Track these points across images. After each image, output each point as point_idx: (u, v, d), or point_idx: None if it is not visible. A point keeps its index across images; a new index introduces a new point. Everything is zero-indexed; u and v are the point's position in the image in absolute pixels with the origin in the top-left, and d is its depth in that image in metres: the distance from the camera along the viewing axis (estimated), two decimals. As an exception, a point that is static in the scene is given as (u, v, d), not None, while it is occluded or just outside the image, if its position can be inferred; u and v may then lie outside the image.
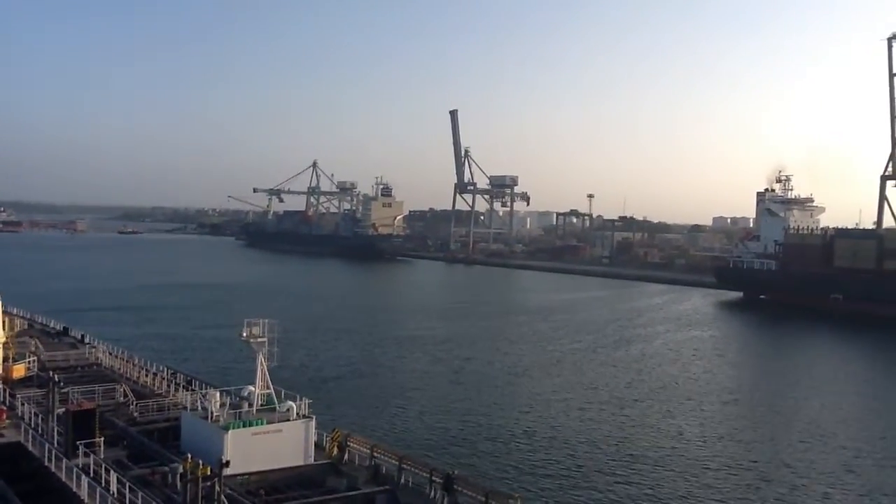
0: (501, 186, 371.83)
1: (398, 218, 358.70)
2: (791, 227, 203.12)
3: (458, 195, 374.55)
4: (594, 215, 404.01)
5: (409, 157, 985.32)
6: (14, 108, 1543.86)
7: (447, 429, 72.28)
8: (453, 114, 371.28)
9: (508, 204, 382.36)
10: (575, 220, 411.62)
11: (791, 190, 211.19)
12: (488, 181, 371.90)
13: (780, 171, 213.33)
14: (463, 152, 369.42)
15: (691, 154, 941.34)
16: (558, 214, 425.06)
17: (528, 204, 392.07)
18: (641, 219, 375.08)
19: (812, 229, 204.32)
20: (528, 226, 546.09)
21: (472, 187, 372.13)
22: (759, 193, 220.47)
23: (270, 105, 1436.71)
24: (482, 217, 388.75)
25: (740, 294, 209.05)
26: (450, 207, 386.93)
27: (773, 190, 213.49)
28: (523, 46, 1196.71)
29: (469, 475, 44.42)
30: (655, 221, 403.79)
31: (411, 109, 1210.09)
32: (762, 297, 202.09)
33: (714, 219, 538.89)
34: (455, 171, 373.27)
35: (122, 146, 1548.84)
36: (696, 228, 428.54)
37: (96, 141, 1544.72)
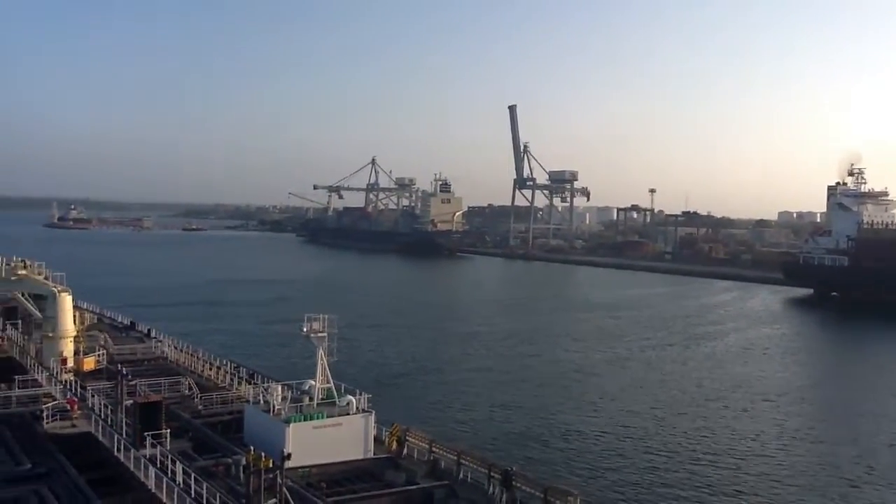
0: (561, 181, 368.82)
1: (457, 214, 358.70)
2: (864, 221, 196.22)
3: (517, 191, 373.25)
4: (655, 210, 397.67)
5: (467, 153, 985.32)
6: (83, 110, 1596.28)
7: (508, 425, 71.93)
8: (512, 109, 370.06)
9: (568, 199, 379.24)
10: (636, 215, 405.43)
11: (864, 183, 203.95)
12: (547, 176, 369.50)
13: (852, 164, 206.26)
14: (522, 147, 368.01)
15: (755, 148, 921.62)
16: (619, 210, 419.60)
17: (587, 199, 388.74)
18: (705, 214, 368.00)
19: (887, 224, 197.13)
20: (588, 221, 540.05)
21: (531, 183, 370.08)
22: (829, 187, 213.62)
23: (330, 102, 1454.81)
24: (540, 213, 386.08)
25: (810, 291, 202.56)
26: (508, 203, 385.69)
27: (844, 183, 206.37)
28: (584, 40, 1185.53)
29: (528, 471, 44.02)
30: (719, 216, 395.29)
31: (470, 105, 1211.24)
32: (833, 294, 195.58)
33: (779, 213, 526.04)
34: (514, 167, 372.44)
35: (186, 144, 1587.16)
36: (761, 224, 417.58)
37: (161, 140, 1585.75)
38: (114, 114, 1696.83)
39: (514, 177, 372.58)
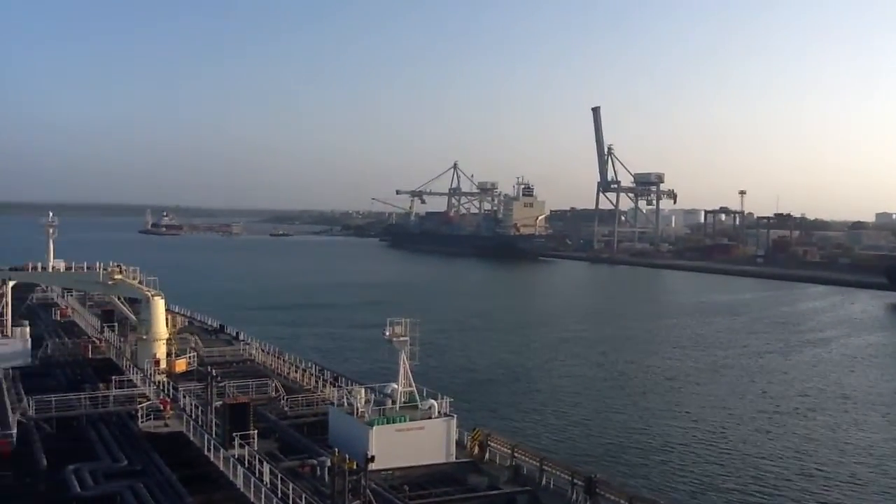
0: (646, 184, 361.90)
1: (540, 218, 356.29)
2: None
3: (601, 193, 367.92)
4: (745, 212, 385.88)
5: (548, 156, 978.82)
6: (174, 120, 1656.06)
7: (595, 433, 70.76)
8: (595, 111, 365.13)
9: (654, 202, 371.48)
10: (724, 217, 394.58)
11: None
12: (633, 179, 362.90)
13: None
14: (606, 150, 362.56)
15: (850, 148, 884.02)
16: (706, 212, 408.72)
17: (674, 202, 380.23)
18: (798, 216, 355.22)
19: None
20: (674, 224, 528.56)
21: (615, 185, 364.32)
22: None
23: (412, 108, 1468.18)
24: (624, 216, 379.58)
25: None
26: (591, 206, 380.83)
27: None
28: (668, 42, 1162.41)
29: (613, 479, 43.21)
30: (812, 218, 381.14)
31: (551, 108, 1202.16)
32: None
33: (877, 215, 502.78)
34: (598, 169, 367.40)
35: (273, 151, 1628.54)
36: (858, 225, 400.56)
37: (249, 147, 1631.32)
38: (199, 122, 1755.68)
39: (598, 179, 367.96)
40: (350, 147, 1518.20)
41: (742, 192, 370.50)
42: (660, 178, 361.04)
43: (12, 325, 67.86)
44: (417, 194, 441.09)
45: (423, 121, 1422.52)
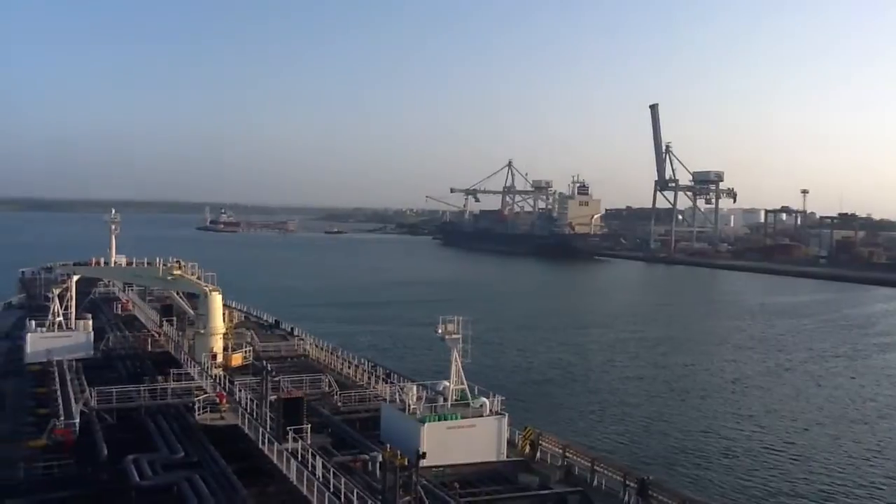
0: (705, 182, 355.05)
1: (595, 216, 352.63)
2: None
3: (658, 192, 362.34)
4: (807, 212, 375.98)
5: (603, 154, 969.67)
6: (234, 121, 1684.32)
7: (651, 435, 69.78)
8: (653, 108, 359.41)
9: (713, 201, 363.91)
10: (785, 217, 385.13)
11: None
12: (691, 177, 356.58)
13: None
14: (664, 147, 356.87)
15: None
16: (766, 211, 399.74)
17: (734, 201, 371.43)
18: (863, 216, 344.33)
19: None
20: (732, 224, 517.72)
21: (673, 184, 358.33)
22: None
23: (466, 106, 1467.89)
24: (681, 215, 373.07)
25: None
26: (647, 205, 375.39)
27: None
28: (727, 41, 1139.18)
29: (665, 481, 42.49)
30: (878, 219, 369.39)
31: (607, 105, 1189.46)
32: None
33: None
34: (655, 168, 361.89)
35: (328, 150, 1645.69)
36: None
37: (304, 146, 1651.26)
38: (262, 124, 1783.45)
39: (655, 178, 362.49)
40: (404, 145, 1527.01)
41: (804, 192, 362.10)
42: (719, 177, 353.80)
43: (76, 318, 69.87)
44: (472, 192, 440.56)
45: (477, 119, 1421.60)
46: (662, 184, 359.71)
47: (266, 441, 41.28)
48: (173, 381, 54.25)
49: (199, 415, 47.34)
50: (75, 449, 42.45)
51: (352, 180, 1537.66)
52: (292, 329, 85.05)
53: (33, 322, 68.13)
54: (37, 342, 65.36)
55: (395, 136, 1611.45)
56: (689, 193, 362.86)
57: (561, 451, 43.63)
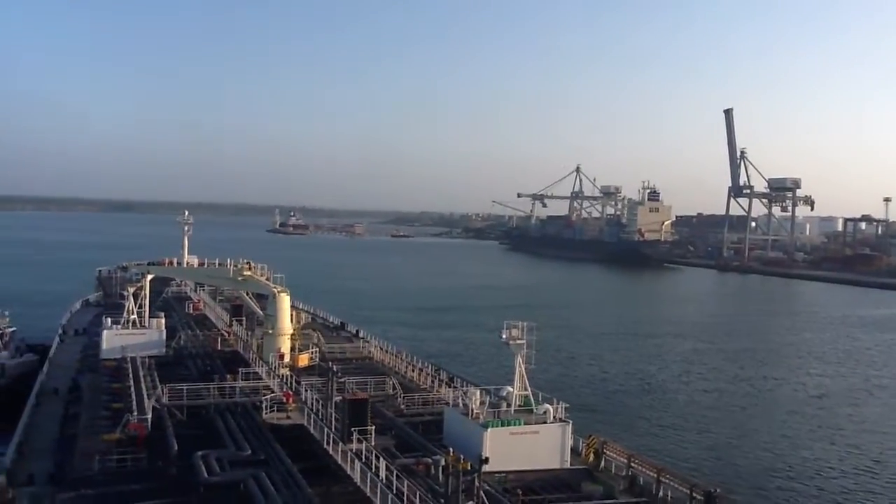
0: (781, 189, 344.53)
1: (666, 223, 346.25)
2: None
3: (731, 199, 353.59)
4: (889, 220, 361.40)
5: (673, 160, 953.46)
6: (304, 124, 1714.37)
7: (727, 450, 67.92)
8: (727, 113, 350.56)
9: (788, 208, 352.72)
10: (864, 226, 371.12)
11: None
12: (766, 184, 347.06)
13: None
14: (738, 153, 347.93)
15: None
16: (846, 220, 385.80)
17: (811, 209, 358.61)
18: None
19: None
20: (808, 232, 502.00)
21: (747, 191, 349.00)
22: None
23: (535, 110, 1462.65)
24: (754, 222, 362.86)
25: None
26: (719, 212, 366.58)
27: None
28: (802, 45, 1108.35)
29: (734, 496, 41.33)
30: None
31: (678, 110, 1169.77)
32: None
33: None
34: (729, 174, 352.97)
35: (394, 154, 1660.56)
36: None
37: (371, 150, 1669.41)
38: (333, 126, 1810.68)
39: (729, 184, 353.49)
40: (471, 150, 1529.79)
41: (887, 200, 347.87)
42: (796, 184, 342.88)
43: (149, 317, 71.93)
44: (539, 198, 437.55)
45: (545, 124, 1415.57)
46: (736, 190, 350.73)
47: (331, 441, 41.76)
48: (242, 379, 55.41)
49: (266, 413, 48.21)
50: (147, 443, 43.65)
51: (418, 184, 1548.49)
52: (357, 331, 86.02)
53: (109, 319, 70.50)
54: (112, 339, 67.59)
55: (461, 140, 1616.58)
56: (764, 200, 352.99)
57: (626, 460, 42.86)
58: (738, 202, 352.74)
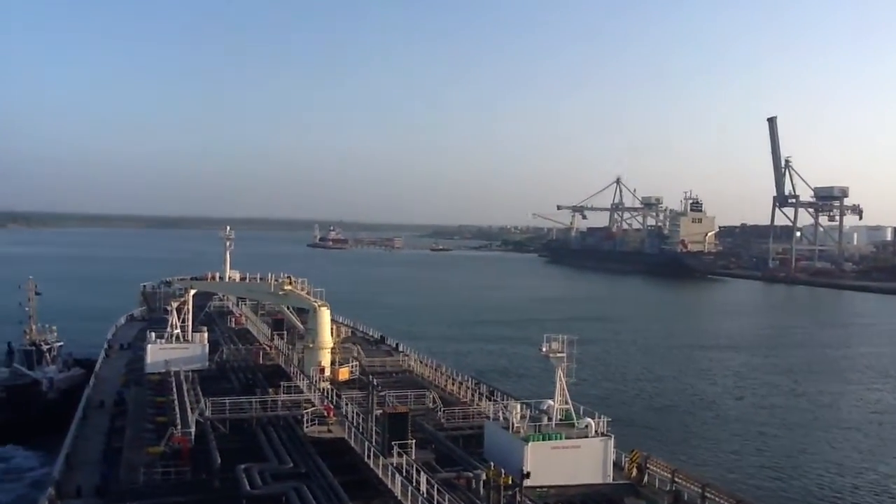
0: (828, 198, 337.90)
1: (709, 234, 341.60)
2: None
3: (776, 209, 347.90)
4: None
5: (716, 170, 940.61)
6: (342, 142, 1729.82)
7: (774, 466, 66.24)
8: (771, 121, 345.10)
9: (836, 217, 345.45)
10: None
11: None
12: (812, 193, 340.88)
13: None
14: (783, 162, 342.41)
15: None
16: (895, 228, 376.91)
17: (860, 217, 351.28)
18: None
19: None
20: (856, 241, 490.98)
21: (793, 200, 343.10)
22: None
23: (573, 122, 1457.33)
24: (799, 232, 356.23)
25: None
26: (762, 222, 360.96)
27: None
28: (852, 49, 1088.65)
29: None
30: None
31: (720, 120, 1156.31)
32: None
33: None
34: (774, 183, 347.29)
35: (432, 167, 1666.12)
36: None
37: (409, 164, 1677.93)
38: (359, 141, 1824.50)
39: (774, 193, 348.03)
40: (508, 162, 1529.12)
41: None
42: (843, 192, 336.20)
43: (192, 331, 72.85)
44: (579, 209, 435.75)
45: (584, 136, 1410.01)
46: (781, 200, 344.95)
47: (371, 455, 41.71)
48: (283, 393, 55.72)
49: (307, 427, 48.41)
50: (191, 456, 44.10)
51: (457, 198, 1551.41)
52: (397, 345, 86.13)
53: (153, 334, 71.50)
54: (156, 353, 68.52)
55: (498, 152, 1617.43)
56: (810, 210, 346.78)
57: (670, 475, 42.19)
58: (783, 212, 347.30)
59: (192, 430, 46.84)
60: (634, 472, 43.61)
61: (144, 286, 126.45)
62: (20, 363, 78.50)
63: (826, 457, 70.26)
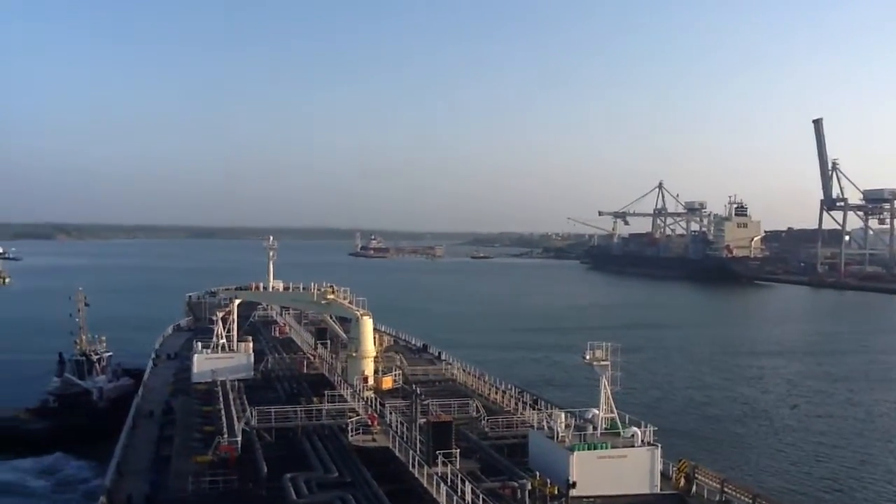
0: (878, 201, 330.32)
1: (755, 239, 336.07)
2: None
3: (824, 212, 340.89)
4: None
5: (760, 173, 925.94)
6: (383, 150, 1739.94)
7: (831, 478, 64.53)
8: (817, 123, 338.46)
9: (886, 221, 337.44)
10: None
11: None
12: (861, 196, 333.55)
13: None
14: (830, 165, 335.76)
15: None
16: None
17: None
18: None
19: None
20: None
21: (841, 203, 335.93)
22: None
23: (614, 127, 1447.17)
24: (847, 236, 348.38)
25: None
26: (810, 226, 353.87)
27: None
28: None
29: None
30: None
31: (764, 122, 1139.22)
32: None
33: None
34: (821, 186, 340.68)
35: (471, 174, 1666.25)
36: None
37: (450, 171, 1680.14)
38: (411, 149, 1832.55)
39: (821, 197, 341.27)
40: (549, 169, 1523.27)
41: None
42: (894, 195, 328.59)
43: (238, 341, 73.70)
44: (620, 215, 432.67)
45: (625, 141, 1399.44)
46: (829, 203, 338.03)
47: (416, 464, 41.68)
48: (327, 402, 56.02)
49: (352, 436, 48.57)
50: (238, 465, 44.53)
51: (497, 205, 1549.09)
52: (440, 353, 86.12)
53: (199, 343, 72.50)
54: (203, 363, 69.47)
55: (537, 160, 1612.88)
56: (859, 213, 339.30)
57: (719, 485, 41.45)
58: (831, 215, 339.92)
59: (239, 438, 47.31)
60: (682, 482, 42.88)
61: (190, 296, 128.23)
62: (71, 373, 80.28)
63: (890, 468, 68.22)
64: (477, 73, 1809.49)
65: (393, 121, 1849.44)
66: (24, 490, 60.02)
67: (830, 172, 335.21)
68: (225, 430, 48.68)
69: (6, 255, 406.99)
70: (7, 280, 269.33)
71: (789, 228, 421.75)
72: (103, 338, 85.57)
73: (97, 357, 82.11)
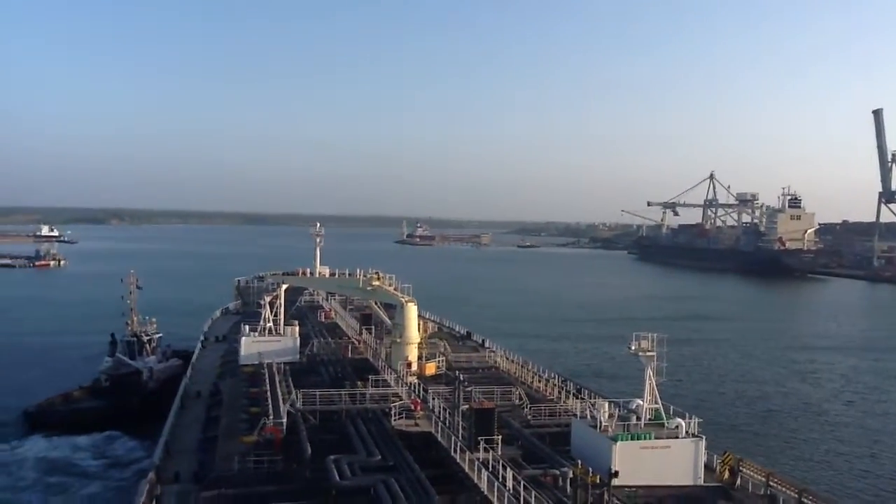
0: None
1: (809, 231, 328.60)
2: None
3: (881, 204, 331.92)
4: None
5: (814, 164, 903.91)
6: (425, 136, 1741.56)
7: (883, 475, 63.20)
8: (877, 113, 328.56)
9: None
10: None
11: None
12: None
13: None
14: (889, 156, 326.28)
15: None
16: None
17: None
18: None
19: None
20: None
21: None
22: None
23: (664, 117, 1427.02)
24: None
25: None
26: (866, 219, 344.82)
27: None
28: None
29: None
30: None
31: (820, 112, 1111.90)
32: None
33: None
34: (879, 178, 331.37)
35: (519, 164, 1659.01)
36: None
37: (496, 160, 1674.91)
38: (458, 138, 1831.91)
39: (879, 189, 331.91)
40: (597, 158, 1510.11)
41: None
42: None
43: (284, 325, 74.66)
44: (670, 206, 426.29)
45: (677, 130, 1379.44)
46: (887, 195, 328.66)
47: (458, 449, 41.80)
48: (371, 386, 56.45)
49: (395, 420, 48.84)
50: (283, 447, 45.18)
51: (544, 194, 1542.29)
52: (483, 341, 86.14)
53: (247, 327, 73.61)
54: (250, 346, 70.58)
55: (587, 149, 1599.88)
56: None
57: (764, 479, 40.81)
58: (889, 208, 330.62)
59: (284, 420, 47.92)
60: (727, 474, 42.33)
61: (238, 281, 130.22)
62: (122, 353, 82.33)
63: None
64: (532, 70, 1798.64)
65: (442, 111, 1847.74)
66: (76, 468, 61.66)
67: (890, 164, 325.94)
68: (270, 411, 49.32)
69: (62, 239, 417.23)
70: (63, 262, 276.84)
71: (844, 221, 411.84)
72: (154, 320, 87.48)
73: (147, 338, 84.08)
